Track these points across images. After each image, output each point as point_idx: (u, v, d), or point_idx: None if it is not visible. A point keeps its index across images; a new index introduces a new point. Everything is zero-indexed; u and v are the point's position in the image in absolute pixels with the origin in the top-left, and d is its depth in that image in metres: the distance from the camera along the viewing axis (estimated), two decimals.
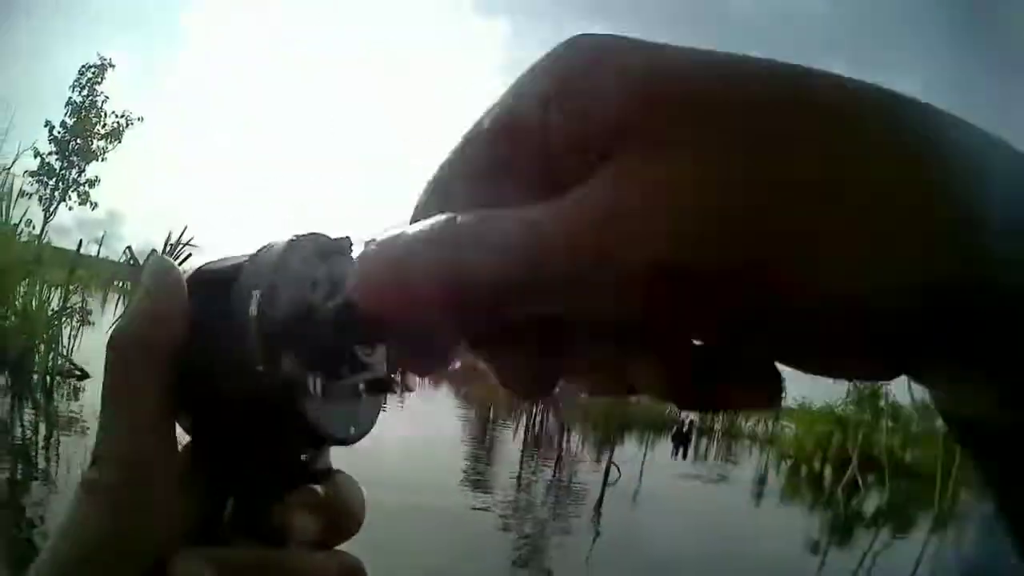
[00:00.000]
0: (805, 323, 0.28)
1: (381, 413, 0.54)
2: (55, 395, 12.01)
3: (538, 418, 35.83)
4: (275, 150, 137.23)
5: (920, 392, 19.46)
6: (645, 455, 17.49)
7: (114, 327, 0.50)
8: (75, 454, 8.29)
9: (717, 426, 39.96)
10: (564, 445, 24.06)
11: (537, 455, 20.61)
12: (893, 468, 21.28)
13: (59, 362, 12.82)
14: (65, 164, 34.39)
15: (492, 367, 0.38)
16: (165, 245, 15.15)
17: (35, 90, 73.99)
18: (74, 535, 0.47)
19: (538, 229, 0.29)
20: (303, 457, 0.53)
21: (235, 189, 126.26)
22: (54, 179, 34.27)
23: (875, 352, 0.29)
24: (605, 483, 14.61)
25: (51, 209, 33.15)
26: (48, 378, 12.42)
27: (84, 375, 13.39)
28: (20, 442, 8.77)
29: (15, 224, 12.85)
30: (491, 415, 31.14)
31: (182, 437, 0.52)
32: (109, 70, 35.45)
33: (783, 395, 0.34)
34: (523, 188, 0.32)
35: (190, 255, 15.39)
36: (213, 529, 0.51)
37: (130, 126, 35.18)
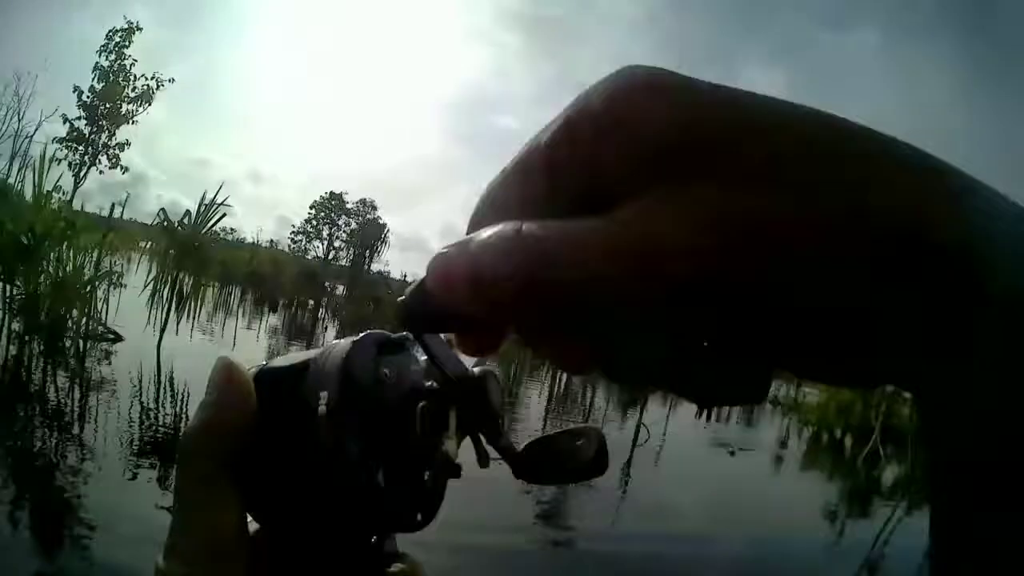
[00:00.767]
0: (809, 333, 0.32)
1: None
2: (87, 359, 12.03)
3: (562, 377, 36.05)
4: (304, 108, 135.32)
5: None
6: (669, 416, 17.36)
7: (184, 428, 0.53)
8: (108, 417, 8.57)
9: None
10: (589, 404, 24.23)
11: (561, 414, 20.71)
12: (914, 440, 21.24)
13: (92, 326, 12.91)
14: (95, 129, 34.45)
15: (539, 351, 0.42)
16: (199, 206, 15.07)
17: (62, 57, 74.32)
18: None
19: (596, 236, 0.33)
20: (372, 541, 0.57)
21: (259, 149, 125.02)
22: (84, 144, 34.32)
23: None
24: (635, 444, 14.74)
25: (82, 174, 33.28)
26: (81, 343, 12.45)
27: (118, 338, 13.63)
28: (55, 407, 8.85)
29: (48, 191, 12.65)
30: (514, 373, 31.26)
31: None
32: (136, 33, 35.61)
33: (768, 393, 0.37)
34: (574, 202, 0.35)
35: (224, 215, 15.46)
36: None
37: (161, 88, 35.28)
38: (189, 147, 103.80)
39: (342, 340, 0.54)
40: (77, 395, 9.83)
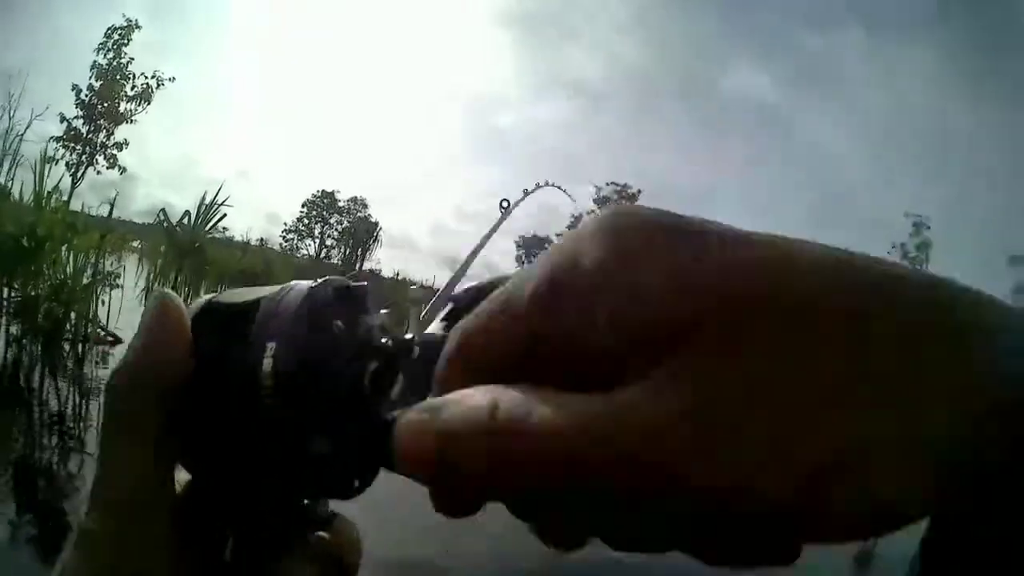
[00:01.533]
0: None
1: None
2: (87, 362, 12.01)
3: None
4: (296, 106, 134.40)
5: None
6: None
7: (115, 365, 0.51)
8: (91, 419, 8.48)
9: None
10: None
11: None
12: None
13: (90, 329, 12.85)
14: (92, 128, 34.20)
15: (525, 521, 0.39)
16: (199, 206, 15.24)
17: (60, 55, 73.84)
18: None
19: (587, 430, 0.30)
20: (305, 503, 0.55)
21: (247, 147, 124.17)
22: (81, 144, 34.08)
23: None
24: None
25: (79, 174, 33.04)
26: (80, 346, 12.44)
27: (116, 340, 13.46)
28: (56, 413, 8.80)
29: (49, 192, 12.50)
30: None
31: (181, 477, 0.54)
32: (136, 31, 35.42)
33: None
34: (559, 364, 0.35)
35: (225, 215, 15.57)
36: (211, 573, 0.52)
37: (161, 87, 35.10)
38: (177, 145, 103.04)
39: (300, 282, 0.51)
40: (77, 398, 9.72)
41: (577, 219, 57.62)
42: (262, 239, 56.63)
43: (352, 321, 0.51)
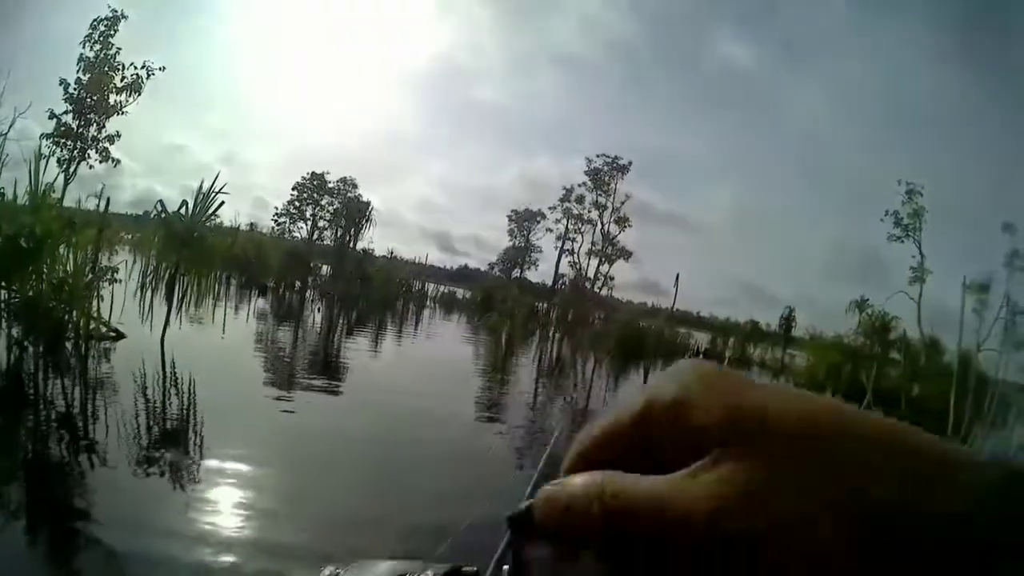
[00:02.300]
0: None
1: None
2: (96, 359, 12.04)
3: (555, 346, 36.14)
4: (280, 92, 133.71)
5: (928, 328, 19.43)
6: (647, 380, 17.57)
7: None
8: (112, 417, 8.59)
9: (728, 353, 40.29)
10: (580, 371, 24.37)
11: (552, 382, 20.86)
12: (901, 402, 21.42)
13: (92, 326, 12.81)
14: (82, 122, 34.03)
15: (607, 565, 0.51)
16: (196, 194, 15.12)
17: (41, 53, 73.45)
18: None
19: (666, 501, 0.45)
20: None
21: (231, 134, 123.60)
22: (72, 139, 33.92)
23: None
24: None
25: (71, 170, 32.90)
26: (83, 344, 12.40)
27: (119, 336, 13.57)
28: (64, 411, 8.81)
29: (44, 190, 12.31)
30: (506, 341, 31.36)
31: None
32: (122, 21, 35.28)
33: None
34: (649, 456, 0.49)
35: (223, 203, 15.40)
36: None
37: (151, 76, 34.93)
38: (162, 134, 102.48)
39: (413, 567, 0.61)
40: (92, 395, 9.87)
41: (568, 191, 57.49)
42: (252, 224, 56.63)
43: None
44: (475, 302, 59.35)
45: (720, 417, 0.47)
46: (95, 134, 33.79)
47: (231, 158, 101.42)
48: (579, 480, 0.51)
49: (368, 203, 56.98)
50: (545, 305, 56.85)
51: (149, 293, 14.55)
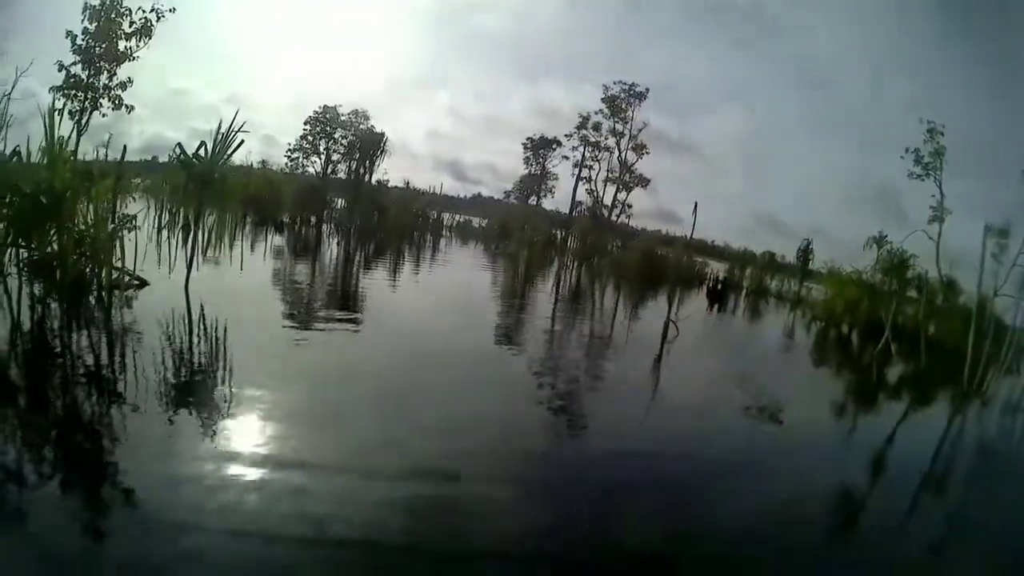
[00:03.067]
0: None
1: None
2: (123, 308, 12.00)
3: (571, 274, 36.26)
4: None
5: (947, 267, 19.45)
6: (677, 308, 17.55)
7: None
8: (139, 366, 8.66)
9: (746, 284, 40.39)
10: (597, 300, 24.48)
11: (570, 309, 20.98)
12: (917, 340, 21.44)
13: (115, 276, 12.76)
14: (92, 72, 33.83)
15: None
16: (216, 133, 14.69)
17: (38, 12, 73.31)
18: None
19: None
20: None
21: (235, 73, 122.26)
22: (83, 89, 33.75)
23: None
24: (664, 340, 15.10)
25: (84, 121, 32.78)
26: (107, 295, 12.35)
27: (143, 283, 13.53)
28: (92, 366, 8.69)
29: (62, 145, 12.23)
30: (520, 270, 31.48)
31: None
32: None
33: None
34: None
35: (242, 141, 15.03)
36: None
37: (162, 19, 34.59)
38: (165, 78, 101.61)
39: None
40: (122, 345, 9.83)
41: (585, 119, 57.06)
42: (263, 161, 56.58)
43: None
44: (492, 230, 59.47)
45: None
46: (106, 82, 33.64)
47: (236, 99, 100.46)
48: None
49: (382, 134, 56.74)
50: (563, 233, 56.22)
51: (168, 237, 14.62)
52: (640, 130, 55.83)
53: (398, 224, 45.83)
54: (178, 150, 14.92)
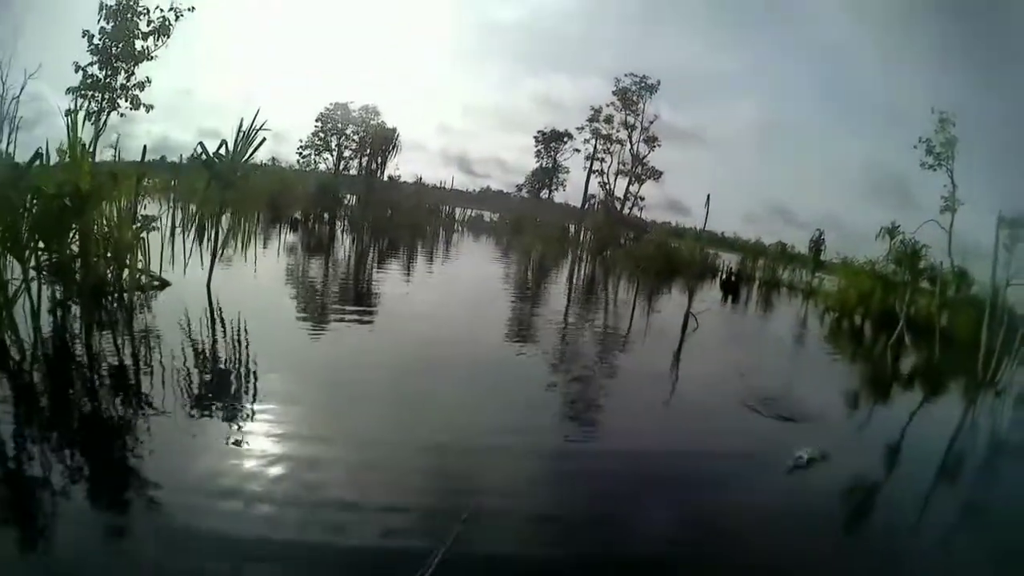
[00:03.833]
0: None
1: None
2: (146, 308, 12.24)
3: (584, 267, 36.34)
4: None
5: (959, 258, 19.42)
6: (691, 302, 17.55)
7: None
8: (163, 367, 8.81)
9: (759, 274, 40.39)
10: (610, 294, 24.56)
11: (587, 304, 21.05)
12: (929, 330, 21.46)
13: (140, 277, 12.95)
14: (109, 72, 33.90)
15: None
16: (238, 132, 14.91)
17: (45, 16, 73.78)
18: None
19: None
20: None
21: (242, 73, 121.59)
22: (100, 90, 33.82)
23: None
24: (684, 332, 15.18)
25: (102, 122, 32.89)
26: (128, 296, 12.50)
27: (164, 284, 13.77)
28: (115, 367, 8.80)
29: (83, 147, 12.23)
30: (534, 263, 31.58)
31: None
32: None
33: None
34: None
35: (264, 140, 15.21)
36: None
37: (180, 18, 34.58)
38: (172, 78, 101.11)
39: None
40: (146, 345, 9.99)
41: (597, 112, 56.98)
42: (273, 158, 56.67)
43: None
44: (504, 224, 59.53)
45: None
46: (123, 82, 33.74)
47: (243, 97, 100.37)
48: None
49: (394, 130, 56.79)
50: (575, 226, 56.25)
51: (186, 238, 14.74)
52: (651, 122, 55.80)
53: (411, 220, 45.93)
54: (200, 149, 15.01)
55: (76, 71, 33.49)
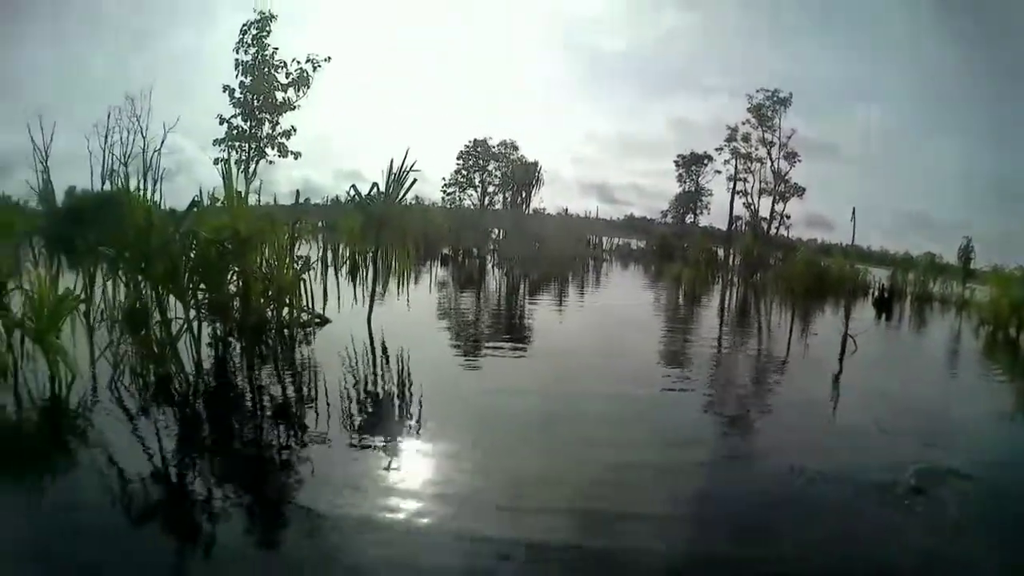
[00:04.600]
0: None
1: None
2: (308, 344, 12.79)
3: (736, 291, 36.07)
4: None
5: None
6: (847, 323, 17.01)
7: None
8: (325, 403, 9.05)
9: (909, 289, 39.42)
10: (764, 317, 24.36)
11: (737, 329, 20.88)
12: None
13: (295, 315, 13.40)
14: (254, 123, 35.30)
15: None
16: (388, 172, 15.25)
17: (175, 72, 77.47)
18: None
19: None
20: None
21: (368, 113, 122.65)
22: (246, 140, 35.29)
23: None
24: (843, 356, 14.97)
25: (252, 170, 34.26)
26: (289, 333, 13.04)
27: (325, 321, 14.39)
28: (279, 400, 9.25)
29: (240, 193, 12.77)
30: (684, 290, 31.48)
31: None
32: (272, 21, 36.47)
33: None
34: None
35: (415, 180, 15.59)
36: None
37: (318, 69, 35.81)
38: (307, 123, 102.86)
39: None
40: (311, 378, 10.45)
41: (733, 131, 56.59)
42: (417, 197, 57.81)
43: None
44: (651, 251, 59.24)
45: None
46: (269, 131, 35.03)
47: (375, 140, 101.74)
48: None
49: (536, 163, 57.34)
50: (723, 250, 55.34)
51: (338, 276, 15.26)
52: (789, 137, 55.19)
53: (559, 251, 46.16)
54: (352, 191, 15.61)
55: (220, 123, 35.21)
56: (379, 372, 11.11)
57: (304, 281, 13.56)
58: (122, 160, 41.63)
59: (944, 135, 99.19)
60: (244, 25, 36.60)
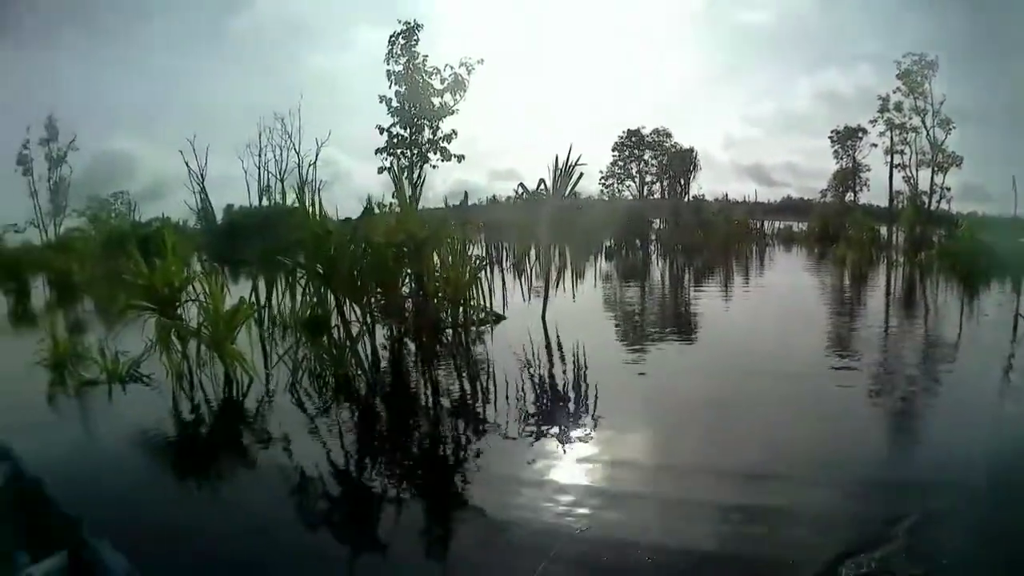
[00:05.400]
0: None
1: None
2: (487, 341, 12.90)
3: (901, 270, 34.89)
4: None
5: None
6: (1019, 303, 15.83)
7: None
8: (499, 394, 9.17)
9: None
10: (932, 302, 23.38)
11: (905, 313, 20.05)
12: None
13: (478, 312, 13.57)
14: (413, 130, 36.00)
15: None
16: (555, 168, 15.42)
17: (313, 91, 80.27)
18: None
19: None
20: None
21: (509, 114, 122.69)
22: (408, 147, 36.05)
23: None
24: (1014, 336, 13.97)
25: (418, 176, 34.82)
26: (466, 330, 13.11)
27: (500, 318, 14.47)
28: (457, 396, 9.35)
29: (412, 199, 12.81)
30: (849, 271, 30.61)
31: None
32: (419, 30, 37.18)
33: None
34: None
35: (581, 175, 15.77)
36: None
37: (472, 72, 36.18)
38: (458, 125, 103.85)
39: None
40: (489, 373, 10.42)
41: (885, 100, 54.57)
42: (576, 191, 57.81)
43: None
44: (812, 232, 57.77)
45: None
46: (430, 136, 35.65)
47: (525, 139, 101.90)
48: None
49: (691, 150, 56.80)
50: (885, 228, 53.36)
51: (505, 273, 15.22)
52: (941, 103, 52.91)
53: (721, 237, 45.44)
54: (520, 189, 15.67)
55: (380, 133, 35.78)
56: (563, 367, 11.03)
57: (479, 280, 13.47)
58: (279, 176, 45.39)
59: None
60: (391, 36, 37.24)
